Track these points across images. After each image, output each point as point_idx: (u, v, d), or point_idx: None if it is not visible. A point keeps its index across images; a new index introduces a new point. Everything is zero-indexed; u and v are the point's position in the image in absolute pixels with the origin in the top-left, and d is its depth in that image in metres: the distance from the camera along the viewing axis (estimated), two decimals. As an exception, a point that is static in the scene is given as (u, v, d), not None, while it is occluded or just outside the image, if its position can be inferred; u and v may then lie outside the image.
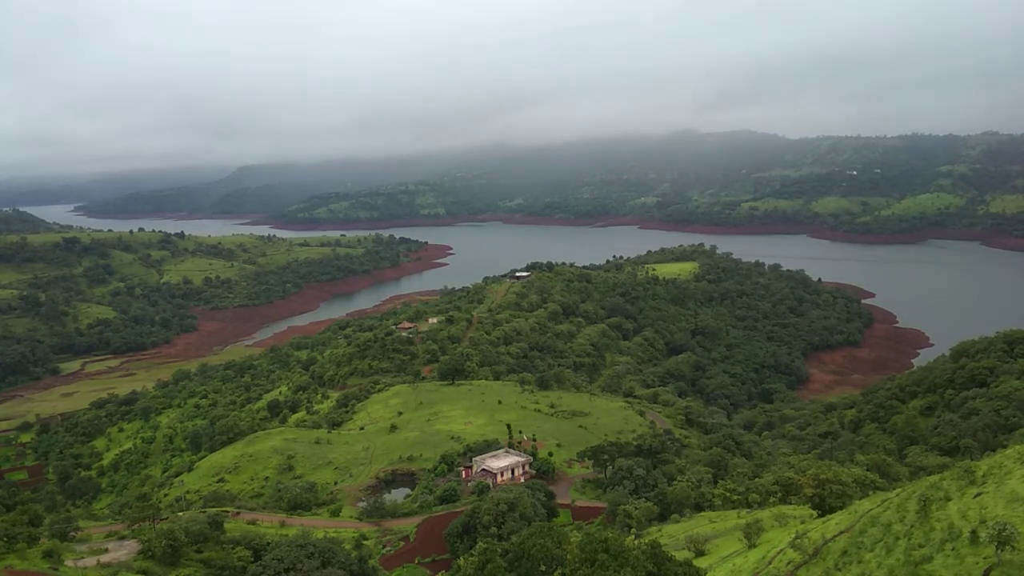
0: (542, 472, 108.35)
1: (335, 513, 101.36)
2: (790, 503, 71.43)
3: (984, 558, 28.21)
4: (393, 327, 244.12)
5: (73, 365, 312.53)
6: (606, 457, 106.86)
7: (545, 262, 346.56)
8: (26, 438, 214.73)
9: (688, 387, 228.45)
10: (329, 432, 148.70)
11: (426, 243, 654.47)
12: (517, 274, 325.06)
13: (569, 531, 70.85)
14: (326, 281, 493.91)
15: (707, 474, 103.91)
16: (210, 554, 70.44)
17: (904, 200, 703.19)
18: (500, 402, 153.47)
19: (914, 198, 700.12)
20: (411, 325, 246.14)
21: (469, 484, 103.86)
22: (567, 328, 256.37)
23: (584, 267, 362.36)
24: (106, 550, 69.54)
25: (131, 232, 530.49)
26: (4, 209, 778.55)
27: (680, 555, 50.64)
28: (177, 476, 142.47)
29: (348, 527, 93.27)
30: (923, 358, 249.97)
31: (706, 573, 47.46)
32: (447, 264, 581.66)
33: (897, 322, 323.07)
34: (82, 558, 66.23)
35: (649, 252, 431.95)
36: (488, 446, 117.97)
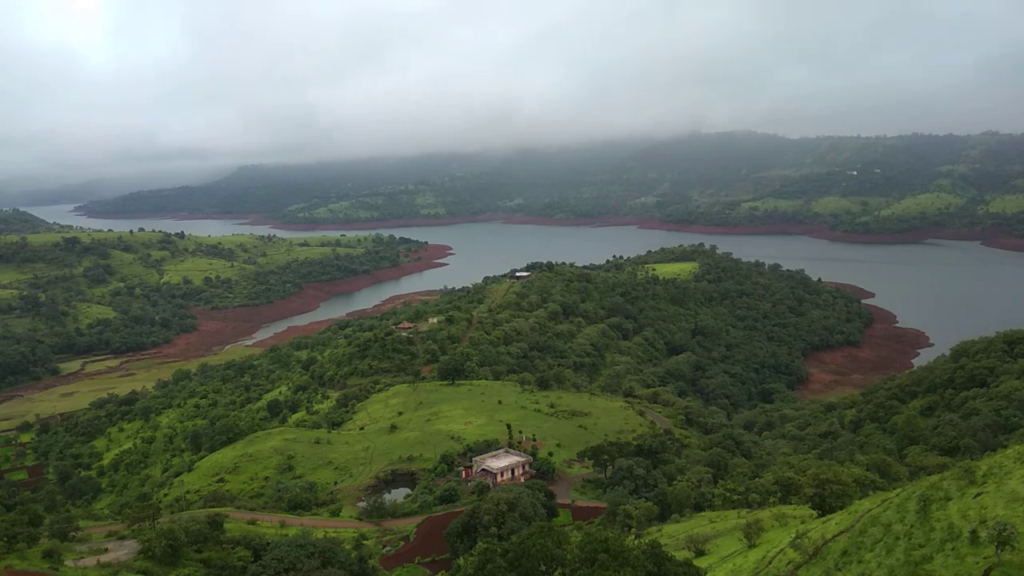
0: (542, 472, 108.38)
1: (335, 513, 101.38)
2: (790, 503, 71.57)
3: (984, 558, 28.20)
4: (393, 327, 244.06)
5: (73, 365, 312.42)
6: (606, 457, 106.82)
7: (545, 262, 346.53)
8: (26, 438, 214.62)
9: (688, 387, 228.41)
10: (329, 432, 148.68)
11: (426, 243, 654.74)
12: (517, 274, 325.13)
13: (569, 531, 70.85)
14: (326, 281, 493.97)
15: (707, 474, 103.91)
16: (210, 554, 70.41)
17: (904, 200, 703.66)
18: (500, 402, 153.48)
19: (914, 198, 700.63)
20: (411, 325, 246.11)
21: (469, 484, 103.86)
22: (567, 328, 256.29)
23: (584, 267, 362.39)
24: (106, 550, 69.51)
25: (131, 232, 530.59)
26: (4, 209, 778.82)
27: (680, 555, 50.65)
28: (177, 476, 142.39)
29: (348, 527, 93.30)
30: (923, 358, 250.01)
31: (706, 573, 47.46)
32: (447, 264, 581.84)
33: (897, 322, 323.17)
34: (82, 558, 66.20)
35: (649, 252, 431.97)
36: (488, 446, 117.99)
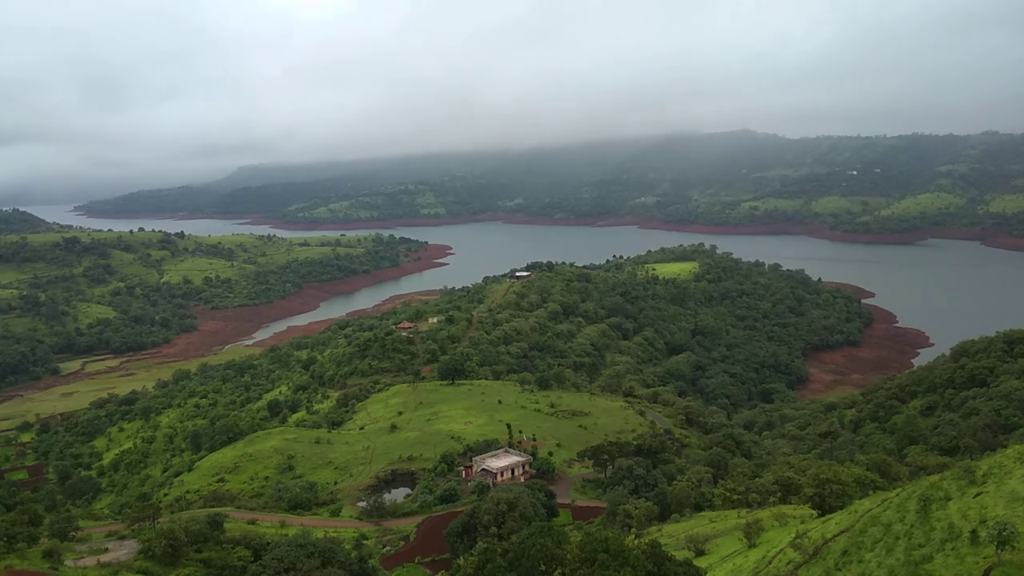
0: (542, 472, 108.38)
1: (335, 513, 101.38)
2: (790, 503, 71.54)
3: (984, 558, 28.20)
4: (393, 327, 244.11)
5: (73, 365, 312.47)
6: (606, 457, 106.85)
7: (545, 262, 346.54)
8: (26, 438, 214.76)
9: (688, 387, 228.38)
10: (329, 432, 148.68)
11: (426, 243, 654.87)
12: (517, 274, 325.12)
13: (569, 531, 70.83)
14: (326, 281, 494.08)
15: (707, 474, 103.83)
16: (210, 554, 70.42)
17: (904, 200, 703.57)
18: (500, 402, 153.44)
19: (914, 198, 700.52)
20: (411, 325, 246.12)
21: (469, 484, 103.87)
22: (567, 328, 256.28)
23: (584, 267, 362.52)
24: (106, 550, 69.53)
25: (131, 232, 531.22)
26: (4, 209, 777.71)
27: (680, 555, 50.65)
28: (177, 476, 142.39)
29: (348, 527, 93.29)
30: (923, 358, 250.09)
31: (706, 573, 47.46)
32: (447, 264, 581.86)
33: (897, 322, 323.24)
34: (82, 558, 66.23)
35: (649, 252, 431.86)
36: (488, 446, 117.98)
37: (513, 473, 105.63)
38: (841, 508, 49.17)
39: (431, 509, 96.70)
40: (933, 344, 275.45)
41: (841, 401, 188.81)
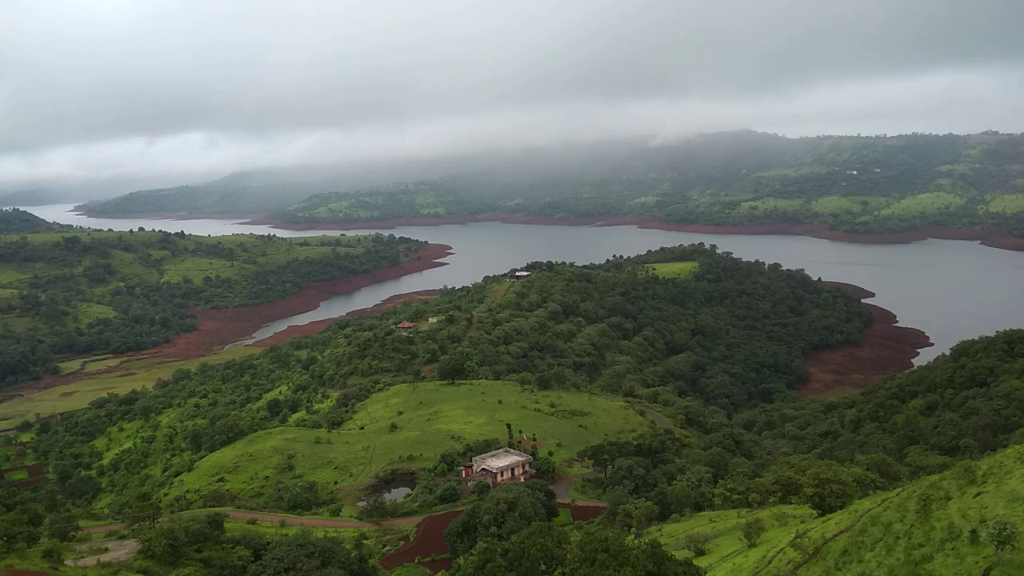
0: (542, 472, 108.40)
1: (335, 512, 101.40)
2: (790, 503, 71.51)
3: (984, 557, 28.21)
4: (393, 326, 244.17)
5: (73, 365, 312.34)
6: (606, 457, 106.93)
7: (545, 262, 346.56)
8: (26, 437, 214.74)
9: (688, 387, 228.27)
10: (329, 431, 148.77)
11: (426, 243, 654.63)
12: (517, 274, 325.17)
13: (569, 531, 70.83)
14: (326, 280, 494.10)
15: (707, 474, 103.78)
16: (210, 553, 70.46)
17: (904, 200, 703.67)
18: (500, 402, 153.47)
19: (914, 198, 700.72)
20: (411, 325, 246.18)
21: (469, 484, 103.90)
22: (567, 328, 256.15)
23: (584, 267, 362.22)
24: (106, 549, 69.56)
25: (131, 232, 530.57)
26: (4, 209, 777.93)
27: (680, 555, 50.66)
28: (177, 475, 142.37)
29: (348, 527, 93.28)
30: (923, 357, 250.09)
31: (706, 573, 47.47)
32: (447, 264, 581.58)
33: (897, 322, 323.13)
34: (82, 557, 66.28)
35: (649, 252, 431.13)
36: (488, 446, 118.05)
37: (513, 473, 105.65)
38: (841, 508, 49.22)
39: (431, 509, 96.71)
40: (933, 344, 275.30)
41: (841, 401, 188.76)
